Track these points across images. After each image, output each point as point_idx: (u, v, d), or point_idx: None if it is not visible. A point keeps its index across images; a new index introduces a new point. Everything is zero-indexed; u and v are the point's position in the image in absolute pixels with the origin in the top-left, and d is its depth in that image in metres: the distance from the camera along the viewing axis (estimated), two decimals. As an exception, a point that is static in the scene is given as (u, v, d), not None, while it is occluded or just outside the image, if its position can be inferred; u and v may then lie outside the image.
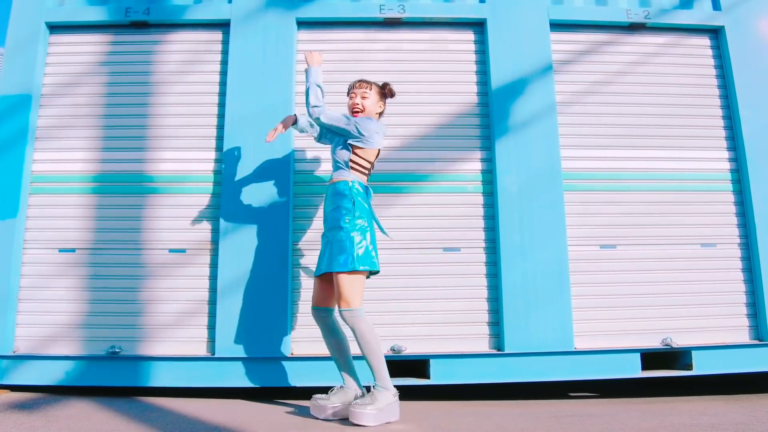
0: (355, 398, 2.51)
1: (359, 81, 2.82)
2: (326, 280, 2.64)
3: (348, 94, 2.85)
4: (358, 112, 2.75)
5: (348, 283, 2.49)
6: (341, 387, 2.60)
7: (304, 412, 2.69)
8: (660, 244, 3.38)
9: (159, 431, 2.31)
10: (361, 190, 2.64)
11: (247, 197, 3.23)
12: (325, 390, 2.64)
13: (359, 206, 2.58)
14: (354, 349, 2.64)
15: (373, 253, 2.57)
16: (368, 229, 2.59)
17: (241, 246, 3.17)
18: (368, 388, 2.52)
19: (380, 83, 2.86)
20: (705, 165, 3.49)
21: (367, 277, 2.63)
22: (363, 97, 2.76)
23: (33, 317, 3.17)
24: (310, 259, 3.25)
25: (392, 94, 2.87)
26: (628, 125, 3.50)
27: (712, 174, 3.48)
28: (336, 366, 2.67)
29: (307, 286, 3.21)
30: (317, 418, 2.54)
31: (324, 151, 3.31)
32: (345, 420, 2.49)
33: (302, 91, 3.42)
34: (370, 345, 2.48)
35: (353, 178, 2.65)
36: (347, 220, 2.54)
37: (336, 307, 2.61)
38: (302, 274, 3.24)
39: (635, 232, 3.38)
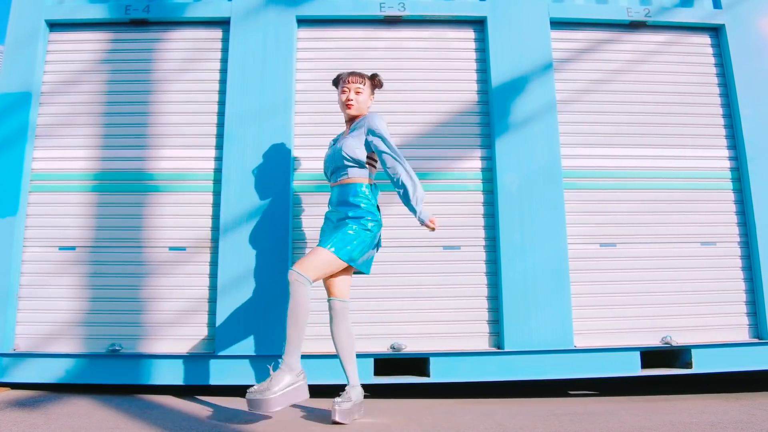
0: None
1: (352, 74, 2.74)
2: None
3: (336, 85, 2.81)
4: (350, 106, 2.70)
5: (324, 260, 2.45)
6: (353, 386, 2.54)
7: (304, 410, 2.70)
8: (660, 242, 3.38)
9: (159, 429, 2.32)
10: (374, 193, 2.68)
11: (247, 195, 3.23)
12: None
13: (376, 214, 2.62)
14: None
15: (365, 256, 2.59)
16: (376, 234, 2.61)
17: (242, 244, 3.17)
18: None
19: (368, 75, 2.81)
20: (705, 163, 3.49)
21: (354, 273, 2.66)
22: (357, 92, 2.71)
23: (33, 315, 3.17)
24: (310, 257, 3.25)
25: (381, 85, 2.85)
26: (629, 123, 3.50)
27: (712, 172, 3.48)
28: (349, 364, 2.55)
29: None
30: (341, 423, 2.39)
31: (323, 149, 3.31)
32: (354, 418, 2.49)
33: (302, 89, 3.44)
34: (296, 313, 2.41)
35: (367, 174, 2.66)
36: (365, 223, 2.54)
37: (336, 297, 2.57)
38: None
39: (635, 230, 3.38)
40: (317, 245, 2.54)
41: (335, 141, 2.83)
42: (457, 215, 3.33)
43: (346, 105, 2.72)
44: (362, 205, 2.58)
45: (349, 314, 2.59)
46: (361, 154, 2.61)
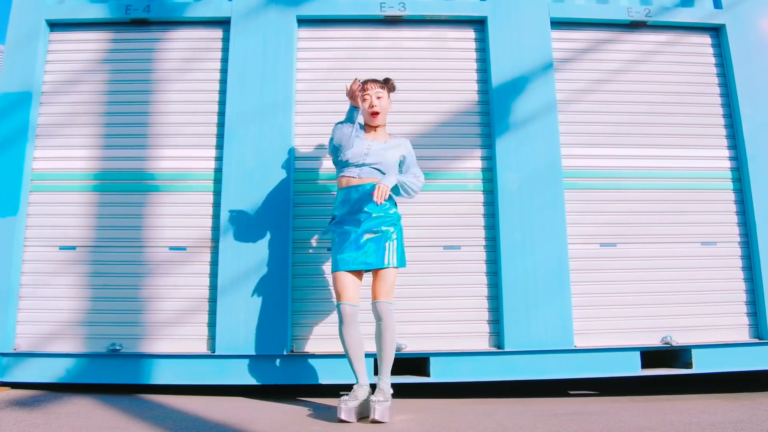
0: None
1: (369, 81, 2.75)
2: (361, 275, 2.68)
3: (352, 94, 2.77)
4: (376, 114, 2.72)
5: (395, 277, 2.65)
6: (361, 385, 2.54)
7: (303, 410, 2.70)
8: (660, 242, 3.38)
9: (159, 429, 2.32)
10: None
11: (247, 195, 3.23)
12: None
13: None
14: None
15: None
16: None
17: (242, 244, 3.17)
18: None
19: (382, 80, 2.83)
20: (705, 163, 3.49)
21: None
22: (378, 98, 2.74)
23: (34, 315, 3.17)
24: (311, 257, 3.25)
25: (394, 89, 2.88)
26: (629, 123, 3.50)
27: (712, 172, 3.48)
28: (358, 364, 2.56)
29: (308, 285, 3.22)
30: (347, 421, 2.38)
31: (323, 149, 3.32)
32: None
33: (302, 89, 3.44)
34: (394, 340, 2.57)
35: None
36: (398, 224, 2.73)
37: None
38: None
39: (635, 230, 3.38)
40: (361, 261, 2.60)
41: (359, 133, 2.75)
42: (457, 215, 3.33)
43: (371, 114, 2.73)
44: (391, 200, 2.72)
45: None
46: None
